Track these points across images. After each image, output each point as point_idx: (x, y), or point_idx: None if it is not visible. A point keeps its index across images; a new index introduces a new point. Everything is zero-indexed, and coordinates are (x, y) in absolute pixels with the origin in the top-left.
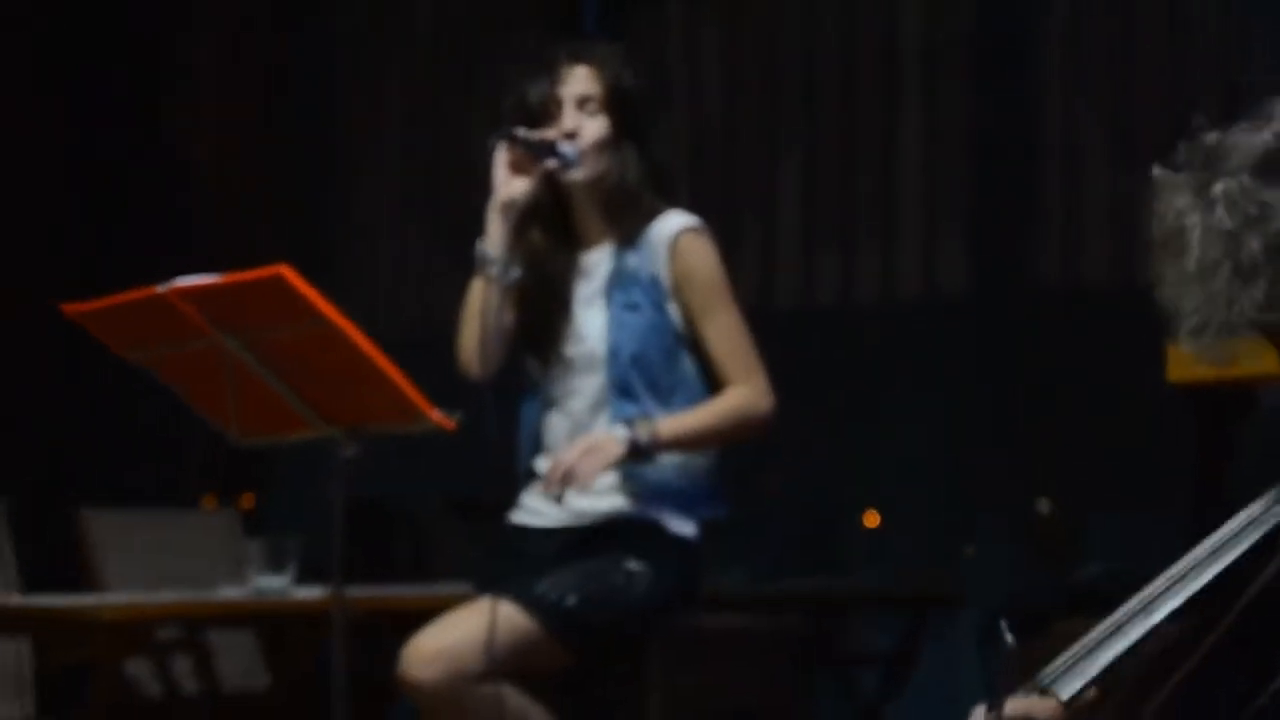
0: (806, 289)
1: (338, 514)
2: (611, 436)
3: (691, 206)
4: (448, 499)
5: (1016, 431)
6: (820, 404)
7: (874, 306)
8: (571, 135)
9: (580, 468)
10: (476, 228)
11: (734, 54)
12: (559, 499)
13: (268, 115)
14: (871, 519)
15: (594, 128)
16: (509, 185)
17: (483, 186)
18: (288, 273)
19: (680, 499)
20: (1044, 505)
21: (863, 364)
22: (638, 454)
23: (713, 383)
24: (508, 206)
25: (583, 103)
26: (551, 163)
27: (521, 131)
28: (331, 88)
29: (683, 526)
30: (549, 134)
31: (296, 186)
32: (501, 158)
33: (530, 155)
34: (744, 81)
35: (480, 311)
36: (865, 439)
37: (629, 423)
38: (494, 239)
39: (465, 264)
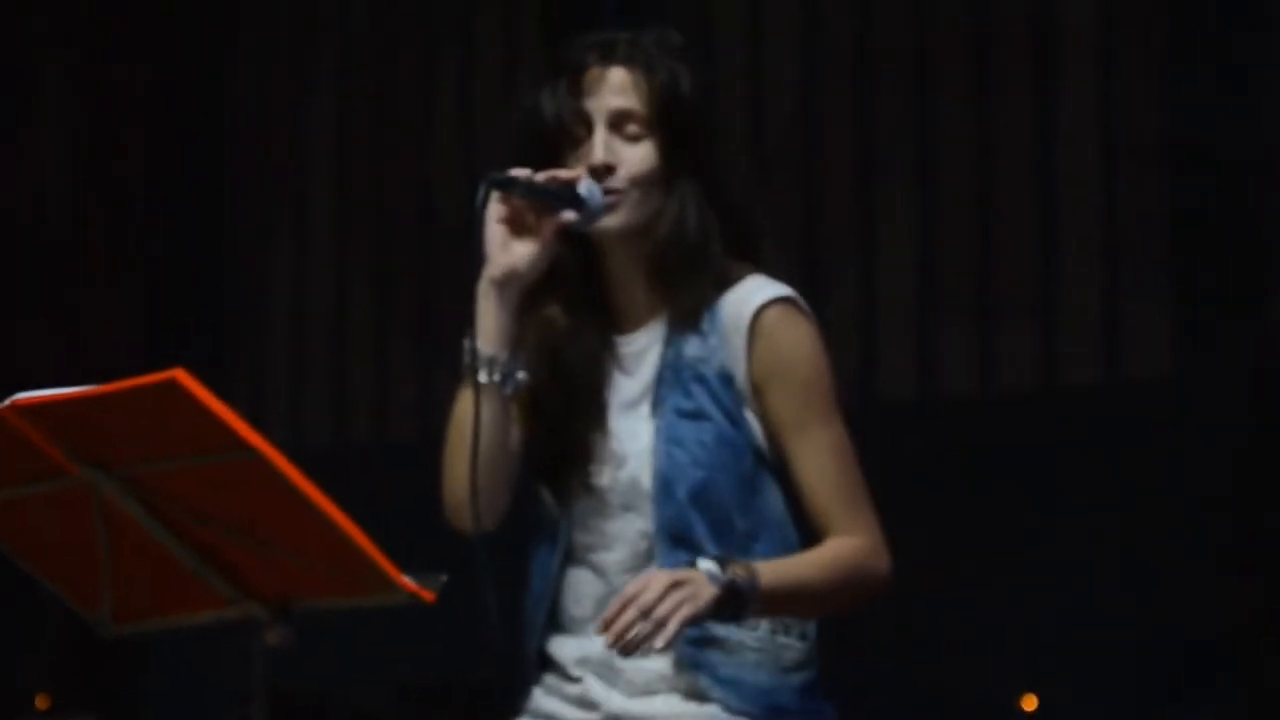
0: (924, 374)
1: None
2: (701, 574)
3: None
4: (412, 692)
5: (1245, 567)
6: (950, 537)
7: (1026, 399)
8: (604, 170)
9: (662, 611)
10: (450, 308)
11: (811, 32)
12: (625, 654)
13: (137, 145)
14: (1030, 703)
15: (636, 158)
16: (507, 252)
17: (459, 248)
18: (184, 378)
19: (765, 697)
20: None
21: (1011, 480)
22: (732, 606)
23: (802, 526)
24: (505, 283)
25: (620, 122)
26: (570, 215)
27: (523, 174)
28: (229, 98)
29: None
30: (565, 173)
31: (182, 249)
32: (495, 211)
33: (538, 205)
34: (825, 71)
35: (473, 436)
36: (1018, 587)
37: (721, 561)
38: (488, 331)
39: (437, 358)
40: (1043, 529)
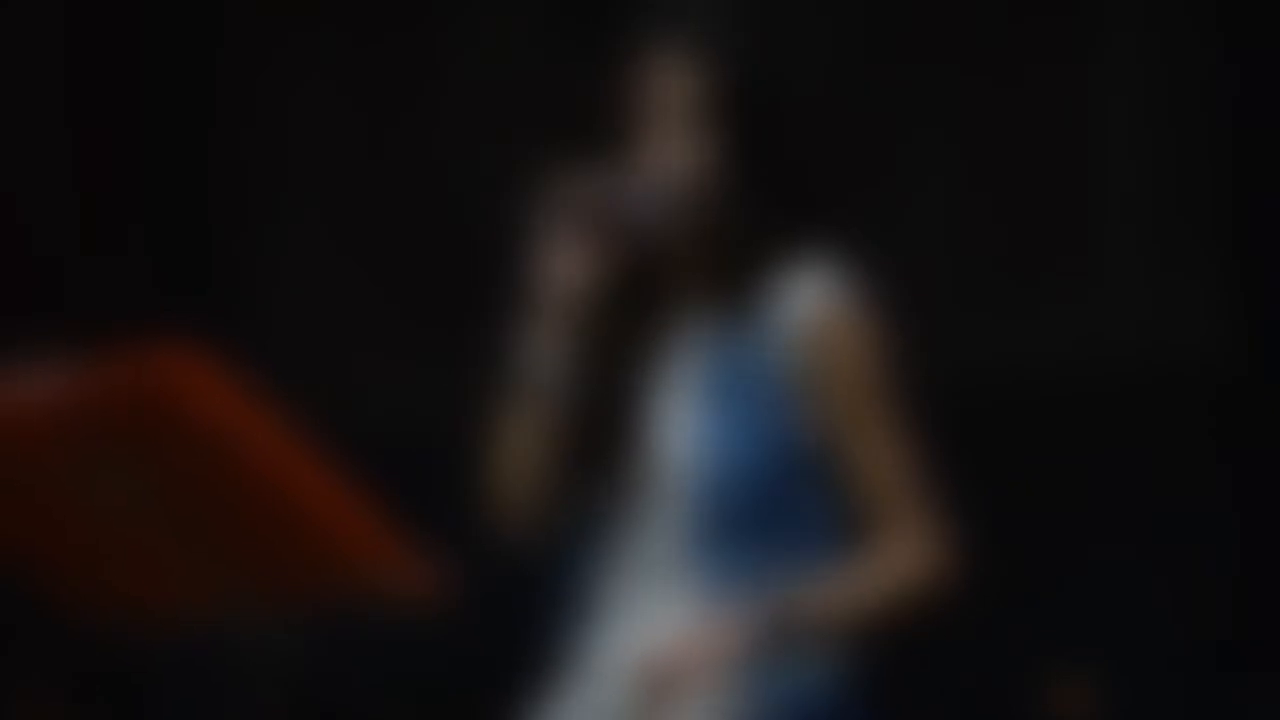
0: (953, 357)
1: None
2: (729, 622)
3: None
4: (424, 707)
5: None
6: (988, 536)
7: (1068, 384)
8: (659, 167)
9: (678, 672)
10: (486, 311)
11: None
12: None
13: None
14: (1072, 694)
15: (694, 151)
16: (563, 271)
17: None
18: (171, 351)
19: (786, 698)
20: None
21: (1051, 473)
22: (759, 655)
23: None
24: (559, 291)
25: (678, 113)
26: (626, 220)
27: (573, 173)
28: (218, 73)
29: None
30: (619, 181)
31: (179, 222)
32: (549, 229)
33: (593, 216)
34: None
35: (520, 445)
36: (1058, 585)
37: (745, 601)
38: (537, 338)
39: (451, 340)
40: (1089, 520)
